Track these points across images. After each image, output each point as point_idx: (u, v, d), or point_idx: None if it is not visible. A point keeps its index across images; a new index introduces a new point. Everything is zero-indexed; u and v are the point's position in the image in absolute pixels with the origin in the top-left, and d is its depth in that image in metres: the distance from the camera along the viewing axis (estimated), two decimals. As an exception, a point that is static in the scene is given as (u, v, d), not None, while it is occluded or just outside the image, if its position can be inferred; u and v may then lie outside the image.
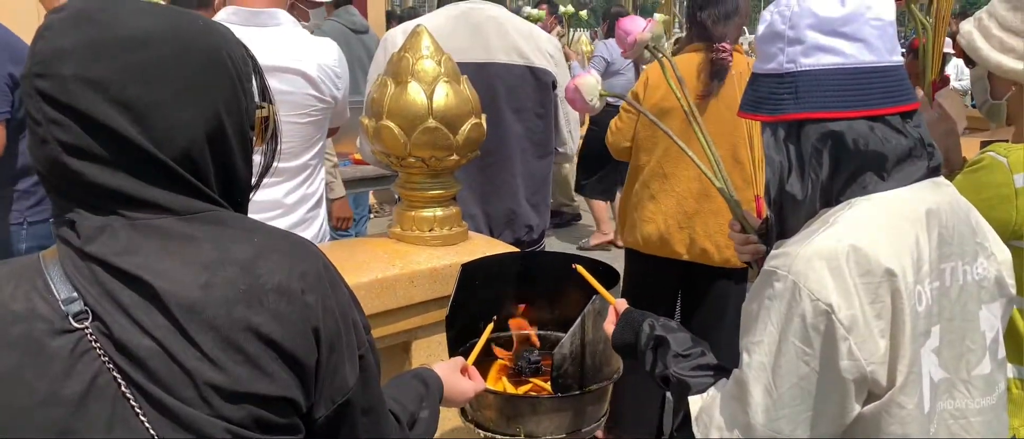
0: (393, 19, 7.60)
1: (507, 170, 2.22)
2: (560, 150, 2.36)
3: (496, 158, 2.20)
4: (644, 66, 2.79)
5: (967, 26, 1.53)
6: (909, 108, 1.02)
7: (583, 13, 4.45)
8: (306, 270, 0.83)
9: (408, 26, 2.19)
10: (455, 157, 1.76)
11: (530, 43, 2.21)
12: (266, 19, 1.96)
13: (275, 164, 0.96)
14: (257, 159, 0.94)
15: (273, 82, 1.88)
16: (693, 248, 2.48)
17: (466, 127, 1.74)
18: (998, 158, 1.43)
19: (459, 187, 1.84)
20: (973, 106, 3.57)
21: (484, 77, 2.11)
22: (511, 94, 2.19)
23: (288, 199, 2.02)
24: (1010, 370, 1.49)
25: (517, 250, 1.82)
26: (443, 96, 1.72)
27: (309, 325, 0.81)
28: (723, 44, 2.34)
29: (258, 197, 0.98)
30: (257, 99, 0.90)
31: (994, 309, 1.09)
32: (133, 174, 0.78)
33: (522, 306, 1.57)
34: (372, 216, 5.67)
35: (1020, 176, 1.40)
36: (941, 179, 1.07)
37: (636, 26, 1.34)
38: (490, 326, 1.50)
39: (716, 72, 2.35)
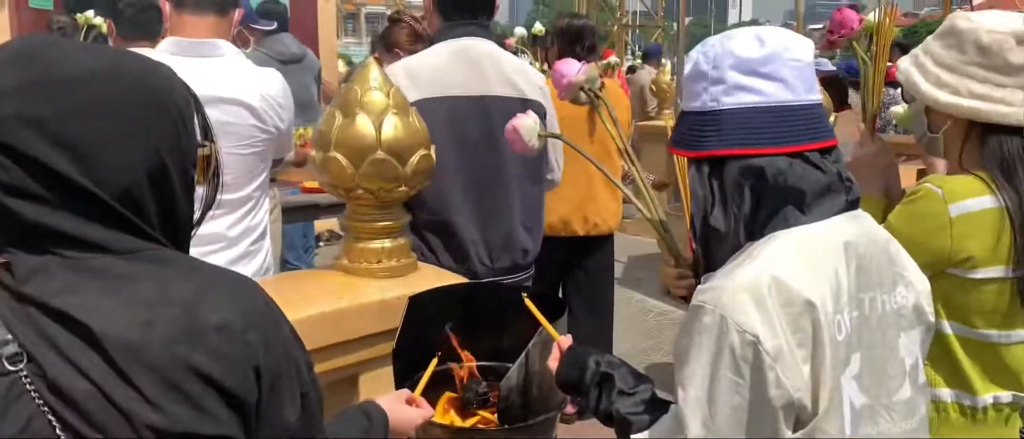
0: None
1: (505, 197, 2.30)
2: (548, 177, 2.48)
3: (495, 185, 2.29)
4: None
5: (905, 63, 1.60)
6: (827, 144, 1.07)
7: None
8: (248, 308, 0.83)
9: (409, 63, 2.27)
10: (404, 188, 1.77)
11: (523, 77, 2.33)
12: (207, 50, 1.95)
13: (214, 208, 0.96)
14: (199, 193, 0.94)
15: (215, 113, 1.87)
16: (587, 224, 3.39)
17: (415, 158, 1.75)
18: (933, 189, 1.49)
19: (408, 218, 1.85)
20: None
21: (483, 109, 2.22)
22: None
23: (231, 232, 2.00)
24: (947, 394, 1.54)
25: (466, 281, 1.82)
26: (392, 127, 1.73)
27: (250, 364, 0.81)
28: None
29: (200, 230, 0.98)
30: (199, 137, 0.90)
31: (913, 336, 1.14)
32: (72, 213, 0.77)
33: (455, 337, 1.58)
34: (322, 245, 5.62)
35: (955, 206, 1.47)
36: (859, 212, 1.12)
37: (570, 69, 1.38)
38: (434, 360, 1.50)
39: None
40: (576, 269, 3.50)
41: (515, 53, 6.18)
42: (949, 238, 1.45)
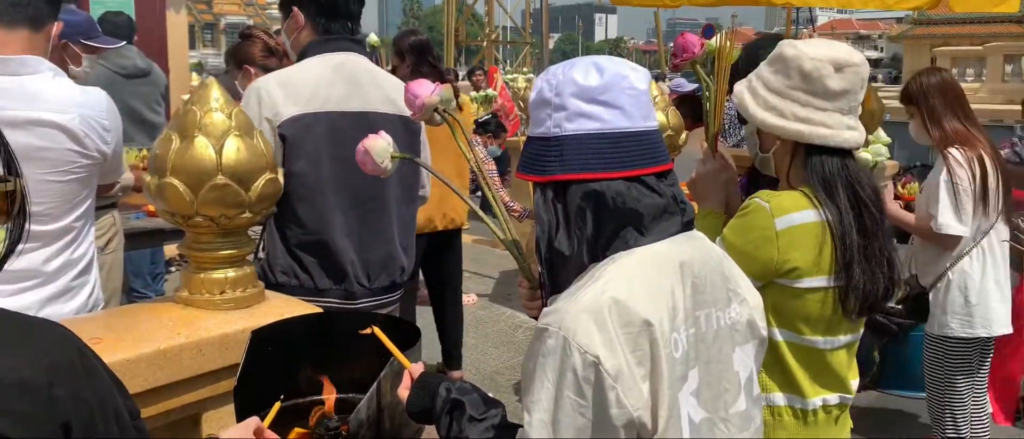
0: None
1: (385, 216, 2.26)
2: (420, 193, 2.46)
3: (375, 205, 2.23)
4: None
5: (739, 87, 1.69)
6: (663, 168, 1.11)
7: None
8: (54, 361, 0.76)
9: (285, 75, 2.19)
10: (248, 214, 1.68)
11: (400, 93, 2.23)
12: (17, 67, 1.76)
13: (21, 245, 0.87)
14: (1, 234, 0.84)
15: (27, 137, 1.74)
16: (445, 219, 3.78)
17: (260, 182, 1.67)
18: (762, 203, 1.58)
19: (252, 246, 1.76)
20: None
21: (364, 125, 2.13)
22: None
23: (48, 266, 1.82)
24: (780, 398, 1.62)
25: (317, 311, 1.75)
26: (234, 150, 1.64)
27: (58, 421, 0.74)
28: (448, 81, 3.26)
29: (11, 265, 0.88)
30: (1, 171, 0.81)
31: (747, 350, 1.19)
32: None
33: (313, 369, 1.51)
34: (174, 269, 5.32)
35: (781, 220, 1.56)
36: (694, 232, 1.16)
37: (424, 90, 1.35)
38: (277, 404, 1.41)
39: None
40: (436, 260, 3.90)
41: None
42: (776, 250, 1.54)
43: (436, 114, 1.40)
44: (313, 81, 2.15)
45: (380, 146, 1.37)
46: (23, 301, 1.75)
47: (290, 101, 2.11)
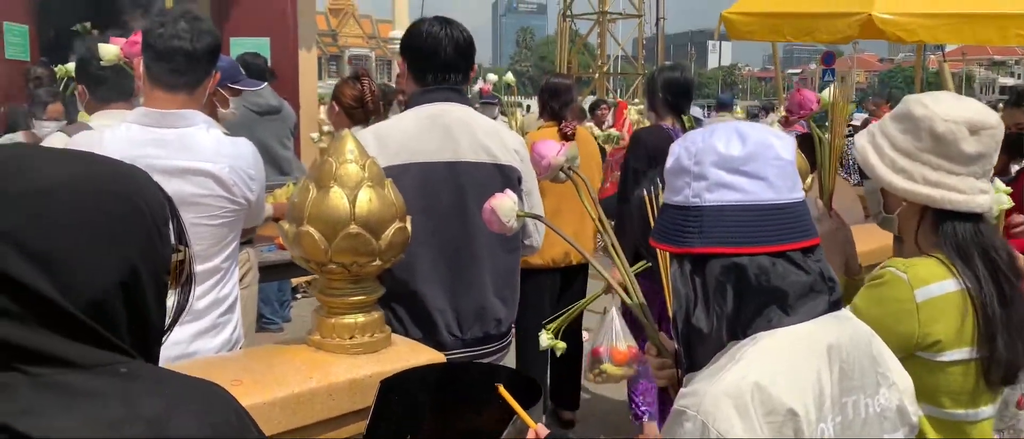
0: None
1: (476, 265, 2.24)
2: (526, 242, 2.42)
3: (465, 254, 2.22)
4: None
5: (862, 141, 1.60)
6: (809, 243, 1.06)
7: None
8: (217, 421, 0.80)
9: (380, 128, 2.26)
10: (378, 262, 1.73)
11: (496, 141, 2.28)
12: (176, 120, 1.93)
13: (189, 306, 0.93)
14: (170, 302, 0.91)
15: (184, 185, 1.89)
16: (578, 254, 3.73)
17: (389, 232, 1.72)
18: (898, 274, 1.49)
19: (382, 291, 1.81)
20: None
21: (454, 176, 2.19)
22: (480, 191, 2.23)
23: (198, 304, 1.95)
24: None
25: (442, 359, 1.78)
26: (366, 201, 1.70)
27: None
28: (567, 122, 3.75)
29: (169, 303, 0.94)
30: (173, 241, 0.87)
31: None
32: (37, 327, 0.73)
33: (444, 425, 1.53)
34: (300, 296, 5.54)
35: (920, 291, 1.47)
36: (843, 312, 1.10)
37: (550, 150, 1.36)
38: None
39: (564, 140, 3.57)
40: (565, 294, 3.85)
41: (492, 97, 6.19)
42: (916, 323, 1.46)
43: (561, 173, 1.41)
44: (404, 133, 2.19)
45: (507, 206, 1.38)
46: (175, 335, 1.87)
47: (381, 153, 2.13)
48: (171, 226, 0.86)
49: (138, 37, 2.35)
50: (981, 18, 3.92)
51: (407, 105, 2.31)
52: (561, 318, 1.58)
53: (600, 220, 1.40)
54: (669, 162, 1.11)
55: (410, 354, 1.77)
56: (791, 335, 1.02)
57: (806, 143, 3.87)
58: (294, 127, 4.68)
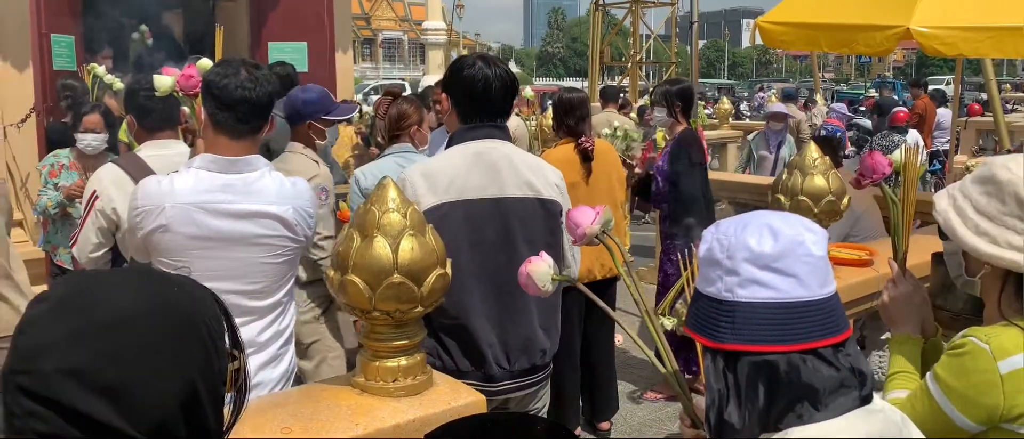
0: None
1: (522, 299, 2.29)
2: (564, 272, 2.44)
3: (512, 288, 2.24)
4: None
5: (943, 204, 1.56)
6: (840, 339, 1.07)
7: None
8: None
9: (427, 166, 2.31)
10: (420, 308, 1.79)
11: (539, 176, 2.36)
12: (242, 166, 2.05)
13: (244, 408, 0.98)
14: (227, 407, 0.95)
15: (251, 227, 2.04)
16: (603, 268, 3.77)
17: (431, 278, 1.78)
18: (980, 345, 1.45)
19: (424, 334, 1.86)
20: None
21: (500, 212, 2.27)
22: (524, 226, 2.32)
23: (261, 337, 2.09)
24: None
25: (482, 400, 1.84)
26: (409, 249, 1.75)
27: None
28: (586, 138, 3.72)
29: None
30: (229, 347, 0.92)
31: None
32: None
33: None
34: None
35: (1004, 363, 1.43)
36: (874, 405, 1.11)
37: (586, 218, 1.40)
38: None
39: (584, 157, 3.69)
40: (594, 309, 3.78)
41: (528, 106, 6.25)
42: (1002, 396, 1.43)
43: (596, 238, 1.45)
44: (451, 171, 2.25)
45: (542, 270, 1.43)
46: None
47: (429, 191, 2.21)
48: (227, 337, 0.91)
49: (192, 70, 2.44)
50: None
51: (450, 142, 2.37)
52: (666, 300, 1.65)
53: (635, 287, 1.42)
54: (702, 250, 1.13)
55: (451, 396, 1.83)
56: (822, 431, 1.04)
57: (824, 144, 3.84)
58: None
